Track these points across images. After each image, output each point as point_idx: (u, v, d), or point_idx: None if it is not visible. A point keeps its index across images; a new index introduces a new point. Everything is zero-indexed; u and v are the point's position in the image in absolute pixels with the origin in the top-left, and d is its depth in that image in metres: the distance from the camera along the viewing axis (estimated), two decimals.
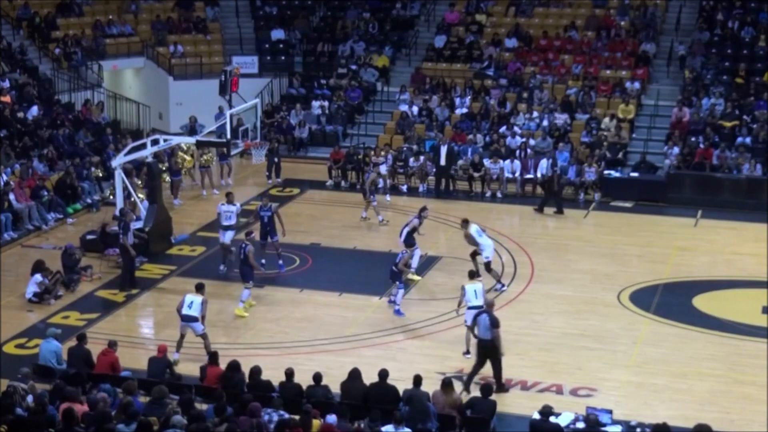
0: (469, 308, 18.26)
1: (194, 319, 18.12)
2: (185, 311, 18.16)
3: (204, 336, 18.16)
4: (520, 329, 19.69)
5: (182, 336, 18.30)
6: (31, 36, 35.01)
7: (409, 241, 22.05)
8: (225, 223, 22.72)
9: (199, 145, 27.09)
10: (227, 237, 22.70)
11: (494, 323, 16.96)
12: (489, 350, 17.04)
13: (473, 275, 19.56)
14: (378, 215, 26.31)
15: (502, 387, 17.08)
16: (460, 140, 31.01)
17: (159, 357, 16.60)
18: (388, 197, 28.20)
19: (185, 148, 28.77)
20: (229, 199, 22.96)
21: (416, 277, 22.27)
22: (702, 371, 18.23)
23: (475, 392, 16.08)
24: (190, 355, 18.27)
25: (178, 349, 18.25)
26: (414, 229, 22.19)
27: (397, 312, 20.54)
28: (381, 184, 27.77)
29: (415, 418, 14.48)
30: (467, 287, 18.42)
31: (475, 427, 14.94)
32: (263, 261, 22.40)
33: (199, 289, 18.52)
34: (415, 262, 22.07)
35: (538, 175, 28.51)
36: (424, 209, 22.78)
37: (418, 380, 15.41)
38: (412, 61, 36.50)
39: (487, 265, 21.51)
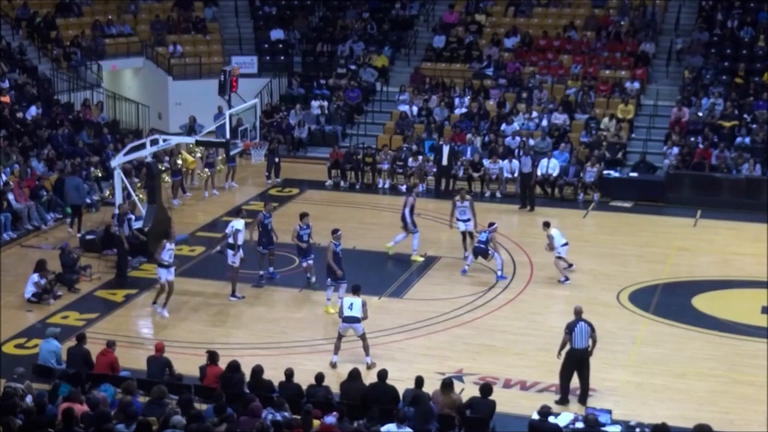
0: (562, 246, 22.04)
1: (357, 320, 18.12)
2: (347, 313, 18.17)
3: (363, 336, 18.19)
4: (519, 329, 19.72)
5: (340, 337, 18.33)
6: (30, 36, 35.00)
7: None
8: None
9: (199, 144, 27.10)
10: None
11: (593, 328, 16.79)
12: (584, 359, 16.77)
13: (548, 224, 22.42)
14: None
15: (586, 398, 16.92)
16: (459, 140, 31.01)
17: (157, 356, 16.58)
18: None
19: (191, 148, 28.75)
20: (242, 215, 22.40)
21: (419, 258, 23.74)
22: (701, 371, 18.24)
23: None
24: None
25: (336, 351, 18.24)
26: (413, 208, 23.74)
27: (501, 277, 22.24)
28: (381, 184, 27.65)
29: (419, 419, 14.46)
30: (554, 233, 22.01)
31: (474, 427, 14.94)
32: (271, 269, 22.56)
33: (356, 290, 18.61)
34: (416, 243, 23.82)
35: (538, 174, 28.49)
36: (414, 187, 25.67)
37: (420, 381, 15.34)
38: (411, 61, 36.50)
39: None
